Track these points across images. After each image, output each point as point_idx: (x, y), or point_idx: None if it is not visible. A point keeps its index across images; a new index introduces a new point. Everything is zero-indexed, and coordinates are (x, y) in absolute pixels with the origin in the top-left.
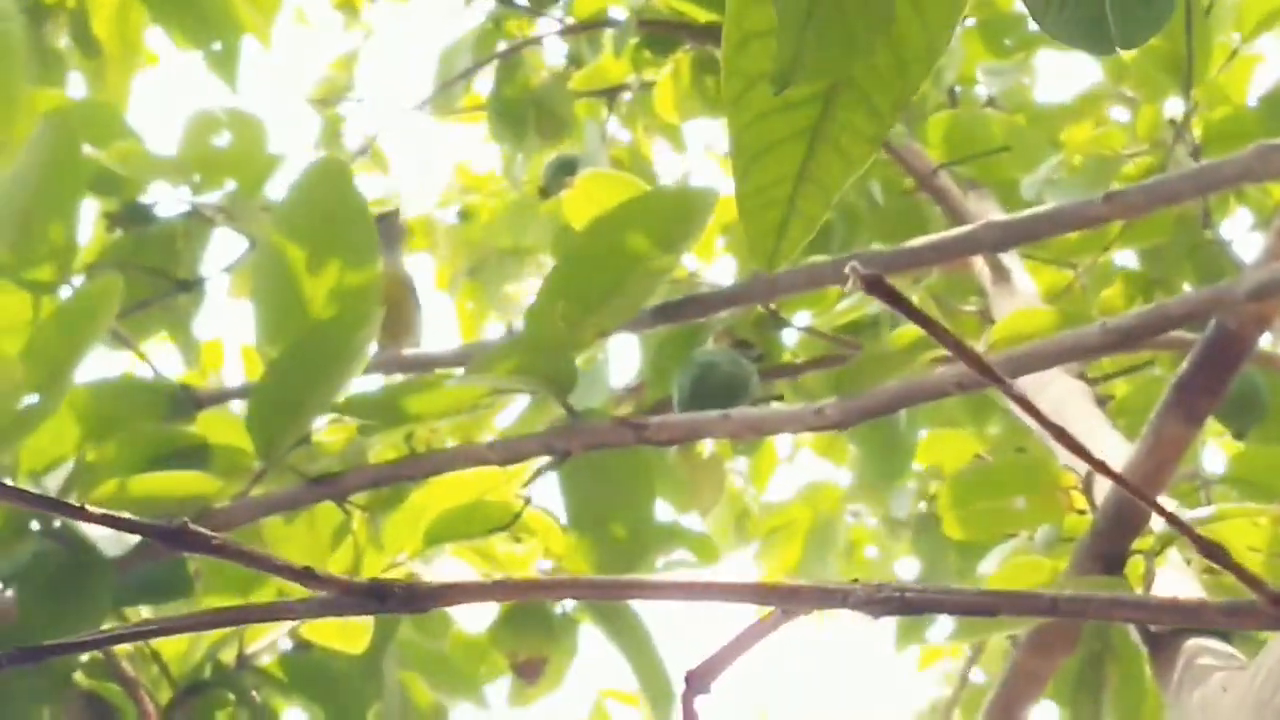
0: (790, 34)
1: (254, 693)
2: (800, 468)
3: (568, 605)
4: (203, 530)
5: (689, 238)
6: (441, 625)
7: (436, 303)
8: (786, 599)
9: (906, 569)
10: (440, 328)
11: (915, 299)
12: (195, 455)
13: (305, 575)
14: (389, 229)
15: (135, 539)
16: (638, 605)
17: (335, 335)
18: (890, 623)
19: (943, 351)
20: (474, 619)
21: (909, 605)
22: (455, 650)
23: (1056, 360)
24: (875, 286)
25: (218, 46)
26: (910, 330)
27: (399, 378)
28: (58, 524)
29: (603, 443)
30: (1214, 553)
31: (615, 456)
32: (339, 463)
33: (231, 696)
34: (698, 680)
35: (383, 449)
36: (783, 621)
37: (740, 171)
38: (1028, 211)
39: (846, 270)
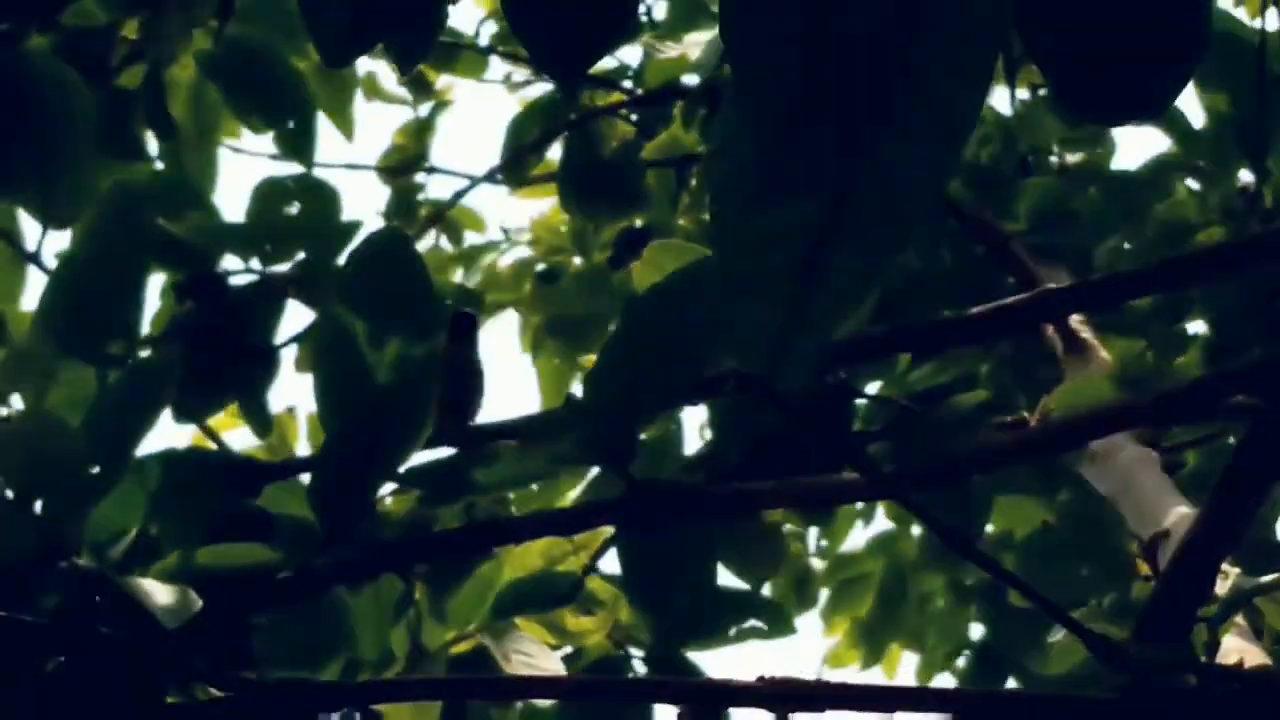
0: (765, 152)
1: None
2: (877, 525)
3: (638, 670)
4: None
5: None
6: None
7: (521, 360)
8: (690, 695)
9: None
10: (525, 386)
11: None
12: (259, 526)
13: None
14: (464, 322)
15: (195, 609)
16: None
17: (396, 405)
18: None
19: (1004, 418)
20: None
21: (810, 702)
22: None
23: (1109, 429)
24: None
25: (291, 125)
26: (972, 396)
27: None
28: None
29: (661, 509)
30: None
31: (677, 534)
32: (401, 533)
33: None
34: None
35: (446, 519)
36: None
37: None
38: (1084, 279)
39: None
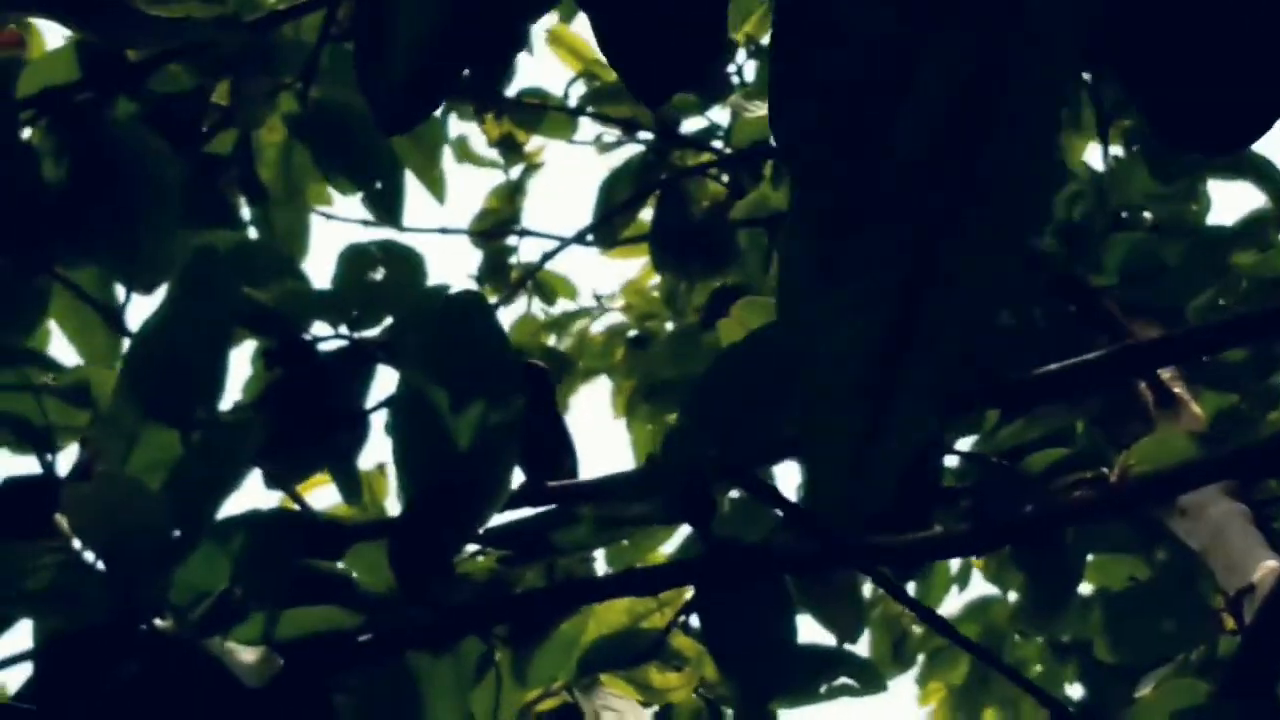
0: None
1: None
2: (972, 590)
3: None
4: None
5: None
6: None
7: (613, 427)
8: None
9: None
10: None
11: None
12: (340, 589)
13: None
14: (540, 379)
15: (277, 669)
16: None
17: (475, 468)
18: None
19: (1084, 474)
20: None
21: None
22: None
23: (1188, 485)
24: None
25: (379, 186)
26: (1051, 453)
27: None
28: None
29: (740, 570)
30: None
31: (756, 595)
32: (482, 595)
33: None
34: None
35: (527, 579)
36: None
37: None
38: (1162, 333)
39: None
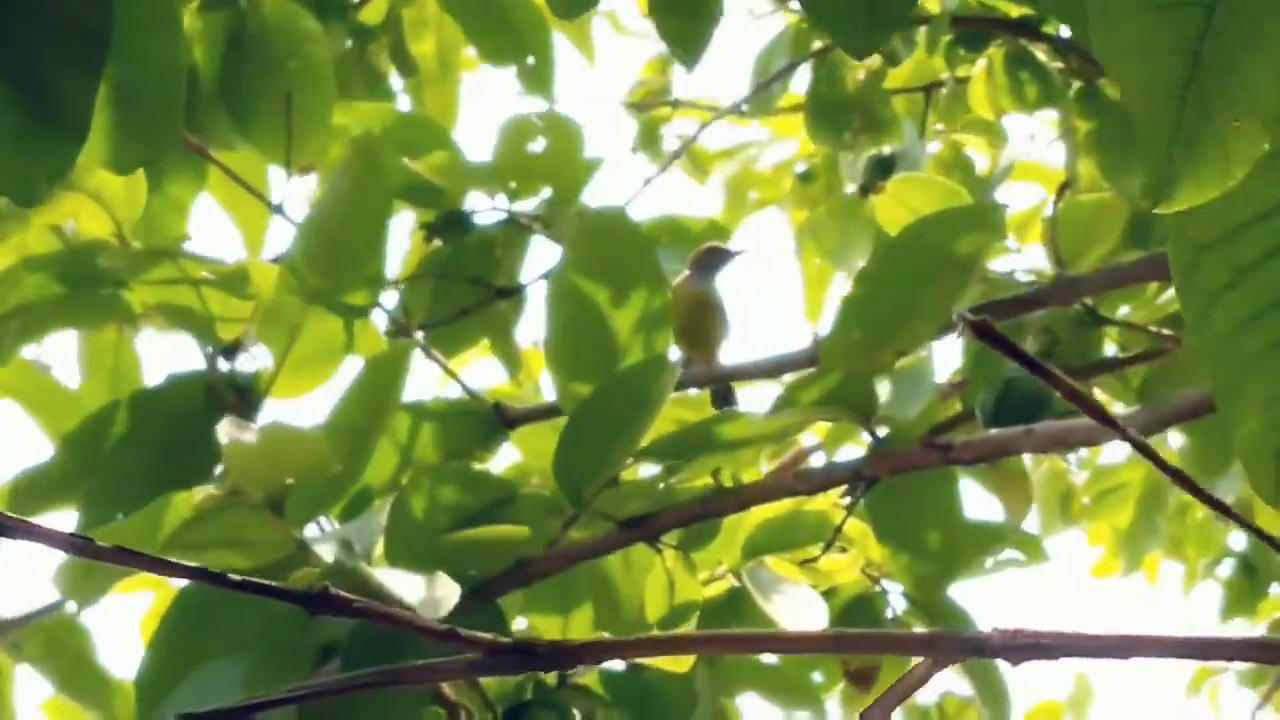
0: (1157, 150)
1: (575, 711)
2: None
3: (898, 609)
4: (344, 594)
5: (982, 253)
6: None
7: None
8: (925, 648)
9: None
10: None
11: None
12: (505, 502)
13: (449, 636)
14: (714, 259)
15: (454, 599)
16: (969, 610)
17: (638, 380)
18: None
19: None
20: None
21: (1045, 651)
22: (789, 660)
23: None
24: (984, 333)
25: (531, 62)
26: None
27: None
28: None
29: (909, 466)
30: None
31: (922, 475)
32: (649, 502)
33: (554, 715)
34: None
35: (691, 481)
36: (937, 669)
37: (1223, 403)
38: None
39: (955, 318)
